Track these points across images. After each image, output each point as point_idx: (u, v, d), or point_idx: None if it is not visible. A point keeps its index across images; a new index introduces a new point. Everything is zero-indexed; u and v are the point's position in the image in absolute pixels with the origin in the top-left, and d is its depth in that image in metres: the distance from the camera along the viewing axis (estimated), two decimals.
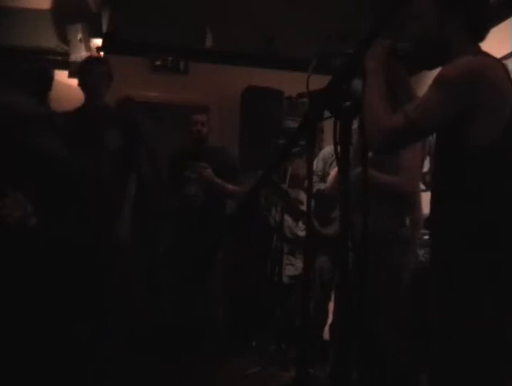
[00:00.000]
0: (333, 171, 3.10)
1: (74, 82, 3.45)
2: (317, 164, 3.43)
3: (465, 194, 1.47)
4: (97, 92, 3.17)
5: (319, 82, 1.46)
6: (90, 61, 3.37)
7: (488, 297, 1.41)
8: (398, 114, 1.46)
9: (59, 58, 4.70)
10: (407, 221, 2.64)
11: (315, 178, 3.37)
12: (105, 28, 4.99)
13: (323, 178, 3.36)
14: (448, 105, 1.42)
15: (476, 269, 1.43)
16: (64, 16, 4.72)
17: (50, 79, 3.19)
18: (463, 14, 1.52)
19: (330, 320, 3.26)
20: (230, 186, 3.85)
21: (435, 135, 1.58)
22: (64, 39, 4.73)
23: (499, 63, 1.52)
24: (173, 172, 3.97)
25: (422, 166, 2.88)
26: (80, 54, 4.61)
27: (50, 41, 4.76)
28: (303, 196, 4.21)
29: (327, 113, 1.32)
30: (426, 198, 2.64)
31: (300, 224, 4.34)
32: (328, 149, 3.48)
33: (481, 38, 1.57)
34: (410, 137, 1.52)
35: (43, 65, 3.30)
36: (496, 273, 1.41)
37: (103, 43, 5.01)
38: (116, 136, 3.15)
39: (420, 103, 1.47)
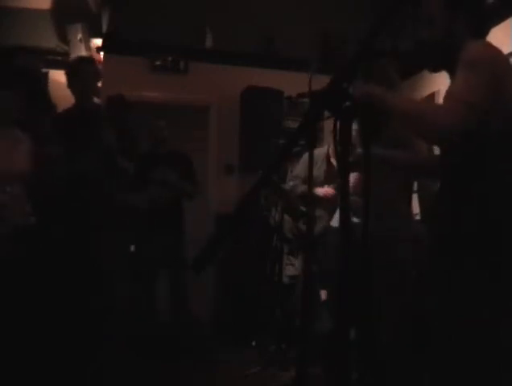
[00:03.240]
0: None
1: None
2: (298, 168, 3.63)
3: (468, 193, 1.47)
4: (86, 93, 3.17)
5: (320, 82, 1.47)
6: (78, 62, 3.36)
7: (488, 297, 1.41)
8: (450, 103, 1.45)
9: (59, 58, 4.70)
10: (410, 220, 2.66)
11: (297, 181, 3.59)
12: (105, 28, 4.99)
13: (305, 182, 3.53)
14: (489, 83, 1.43)
15: (476, 270, 1.43)
16: (64, 16, 4.72)
17: (38, 76, 3.16)
18: (462, 15, 1.54)
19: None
20: (191, 189, 4.18)
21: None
22: (64, 39, 4.73)
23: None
24: (137, 173, 4.03)
25: None
26: (80, 54, 4.61)
27: (50, 41, 4.76)
28: None
29: (327, 113, 1.32)
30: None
31: (300, 224, 4.34)
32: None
33: (484, 37, 1.58)
34: (474, 120, 1.43)
35: (30, 63, 3.26)
36: (496, 273, 1.41)
37: (103, 43, 5.01)
38: (107, 136, 3.16)
39: (465, 88, 1.44)
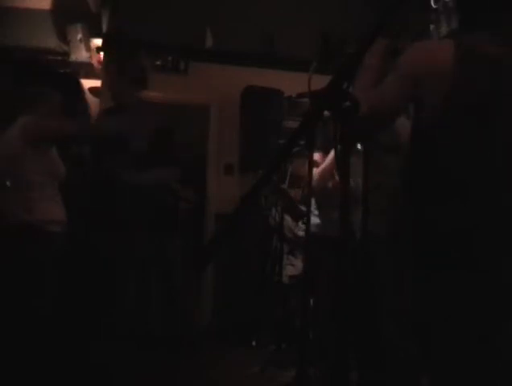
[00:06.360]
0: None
1: None
2: None
3: (431, 188, 1.48)
4: (126, 94, 3.13)
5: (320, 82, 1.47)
6: (127, 59, 3.28)
7: (484, 299, 1.40)
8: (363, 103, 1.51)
9: (59, 58, 4.71)
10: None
11: None
12: (105, 28, 4.99)
13: None
14: (397, 84, 1.49)
15: (457, 269, 1.42)
16: (64, 16, 4.72)
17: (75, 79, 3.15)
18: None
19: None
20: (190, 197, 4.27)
21: None
22: (64, 39, 4.74)
23: (456, 44, 1.47)
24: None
25: None
26: (80, 54, 4.62)
27: (50, 41, 4.77)
28: None
29: (327, 113, 1.32)
30: None
31: (300, 224, 4.35)
32: None
33: (473, 24, 1.56)
34: (373, 122, 1.54)
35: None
36: (477, 271, 1.41)
37: (103, 43, 5.02)
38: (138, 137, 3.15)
39: (378, 89, 1.54)
